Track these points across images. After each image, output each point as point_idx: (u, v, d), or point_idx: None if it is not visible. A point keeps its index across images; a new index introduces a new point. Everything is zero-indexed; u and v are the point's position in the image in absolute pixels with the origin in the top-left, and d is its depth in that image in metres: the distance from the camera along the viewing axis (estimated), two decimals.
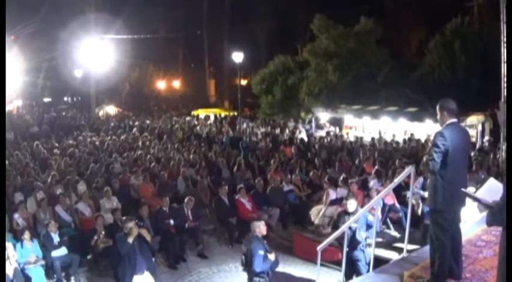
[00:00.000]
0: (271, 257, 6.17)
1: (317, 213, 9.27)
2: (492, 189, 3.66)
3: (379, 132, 19.49)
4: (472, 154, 12.82)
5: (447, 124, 4.42)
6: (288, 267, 8.29)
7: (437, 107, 4.51)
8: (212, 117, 31.39)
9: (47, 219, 8.59)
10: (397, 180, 6.23)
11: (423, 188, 8.36)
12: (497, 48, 12.56)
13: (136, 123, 26.51)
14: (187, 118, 30.89)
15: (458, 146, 4.33)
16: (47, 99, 44.43)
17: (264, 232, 6.37)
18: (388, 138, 18.20)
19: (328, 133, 21.69)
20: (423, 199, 8.25)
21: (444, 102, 4.49)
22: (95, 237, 8.13)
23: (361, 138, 18.40)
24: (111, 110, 35.44)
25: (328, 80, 22.63)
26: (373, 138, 18.19)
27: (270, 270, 6.18)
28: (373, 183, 10.41)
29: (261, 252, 6.03)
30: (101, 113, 33.40)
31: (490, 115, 17.10)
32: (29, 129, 22.34)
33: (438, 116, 4.53)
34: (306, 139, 19.90)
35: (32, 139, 18.54)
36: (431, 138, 5.31)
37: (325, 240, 6.47)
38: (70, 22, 30.82)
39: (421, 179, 8.46)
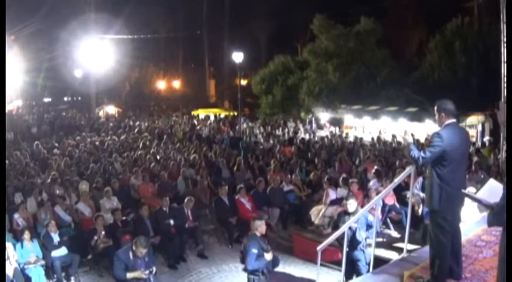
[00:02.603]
0: (268, 256, 6.17)
1: (317, 213, 9.27)
2: (492, 190, 3.66)
3: (379, 132, 19.50)
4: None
5: (445, 125, 4.41)
6: (288, 267, 8.29)
7: (435, 108, 4.50)
8: (212, 117, 31.39)
9: (47, 219, 8.59)
10: (397, 180, 6.22)
11: (422, 189, 8.36)
12: (497, 48, 12.56)
13: (138, 123, 26.48)
14: (185, 117, 30.84)
15: (457, 147, 4.31)
16: (47, 99, 44.38)
17: (264, 231, 6.40)
18: (388, 139, 18.23)
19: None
20: (423, 200, 8.25)
21: (441, 103, 4.47)
22: (95, 237, 8.13)
23: (361, 138, 18.41)
24: (111, 110, 35.44)
25: (328, 80, 22.65)
26: (372, 138, 18.24)
27: (267, 269, 6.20)
28: (373, 183, 10.41)
29: (254, 251, 6.05)
30: (101, 113, 33.39)
31: (490, 115, 17.10)
32: (30, 129, 22.35)
33: (436, 117, 4.53)
34: (307, 138, 19.90)
35: (32, 139, 18.56)
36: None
37: (325, 240, 6.47)
38: (70, 22, 30.81)
39: (420, 180, 8.45)
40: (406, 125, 19.22)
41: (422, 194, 8.20)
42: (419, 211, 8.44)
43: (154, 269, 6.43)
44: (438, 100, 4.53)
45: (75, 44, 30.19)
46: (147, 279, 6.31)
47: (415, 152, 4.33)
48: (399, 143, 16.83)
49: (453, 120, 4.44)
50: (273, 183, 10.98)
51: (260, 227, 6.33)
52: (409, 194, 6.75)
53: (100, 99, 35.79)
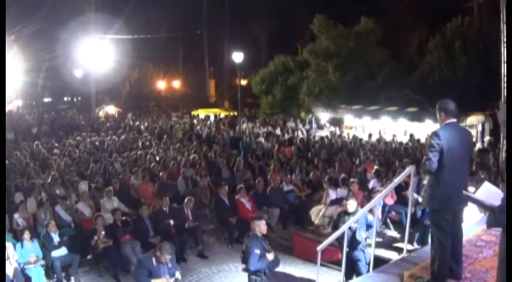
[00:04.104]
0: (270, 256, 6.18)
1: (317, 213, 9.27)
2: (489, 192, 3.66)
3: (379, 132, 19.51)
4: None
5: (445, 124, 4.42)
6: (288, 267, 8.29)
7: (436, 108, 4.51)
8: (212, 117, 31.40)
9: (47, 219, 8.59)
10: (397, 180, 6.23)
11: (418, 191, 8.38)
12: (497, 48, 12.55)
13: (138, 123, 26.48)
14: (186, 117, 30.84)
15: (456, 146, 4.29)
16: (47, 99, 44.44)
17: (264, 231, 6.40)
18: (388, 138, 18.26)
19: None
20: (417, 201, 8.24)
21: (442, 103, 4.47)
22: (95, 237, 8.13)
23: (361, 139, 18.41)
24: (111, 110, 35.44)
25: (328, 80, 22.63)
26: (369, 135, 18.44)
27: (268, 269, 6.20)
28: (373, 183, 10.40)
29: (257, 251, 6.05)
30: (100, 113, 33.40)
31: (490, 115, 17.10)
32: (30, 129, 22.35)
33: (437, 117, 4.54)
34: (306, 138, 19.92)
35: (32, 139, 18.55)
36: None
37: (325, 240, 6.47)
38: (70, 22, 30.83)
39: (414, 180, 8.40)
40: (406, 125, 19.22)
41: (416, 195, 8.20)
42: (413, 209, 8.41)
43: (178, 275, 6.28)
44: (440, 100, 4.53)
45: (75, 44, 30.18)
46: None
47: (423, 164, 4.35)
48: (401, 143, 16.90)
49: (453, 120, 4.44)
50: (273, 183, 10.98)
51: (259, 226, 6.32)
52: (409, 194, 6.75)
53: (101, 99, 35.81)
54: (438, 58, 19.63)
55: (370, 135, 18.88)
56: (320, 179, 11.46)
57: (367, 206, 6.46)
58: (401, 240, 6.59)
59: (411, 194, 6.45)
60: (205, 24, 38.79)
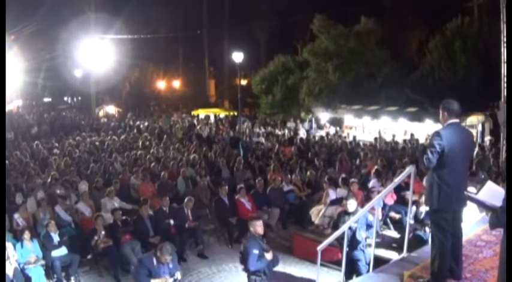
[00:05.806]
0: (268, 256, 6.17)
1: (317, 213, 9.27)
2: (491, 192, 3.66)
3: (379, 132, 19.50)
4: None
5: (447, 124, 4.42)
6: (288, 267, 8.29)
7: (440, 108, 4.51)
8: (212, 117, 31.37)
9: (47, 219, 8.59)
10: (397, 180, 6.22)
11: (416, 219, 8.38)
12: (497, 48, 12.56)
13: (138, 123, 26.46)
14: (184, 116, 30.79)
15: (457, 147, 4.29)
16: (47, 99, 44.46)
17: (261, 231, 6.37)
18: (388, 138, 18.26)
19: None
20: (415, 229, 8.21)
21: (445, 103, 4.47)
22: (95, 237, 8.13)
23: (358, 143, 18.37)
24: (111, 109, 35.44)
25: (328, 80, 22.63)
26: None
27: (268, 268, 6.19)
28: (373, 183, 10.40)
29: (255, 252, 6.04)
30: (101, 113, 33.39)
31: (490, 115, 17.10)
32: (30, 129, 22.35)
33: (440, 117, 4.54)
34: (306, 138, 19.92)
35: (32, 139, 18.56)
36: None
37: (325, 240, 6.47)
38: (70, 22, 30.91)
39: (413, 209, 8.37)
40: (406, 125, 19.22)
41: (413, 222, 8.19)
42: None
43: (179, 275, 6.27)
44: (443, 100, 4.52)
45: (75, 44, 30.24)
46: None
47: (421, 155, 4.33)
48: (396, 142, 16.92)
49: (455, 120, 4.43)
50: (273, 183, 10.97)
51: (255, 227, 6.28)
52: (408, 194, 6.75)
53: (101, 99, 35.83)
54: (438, 58, 19.64)
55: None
56: (320, 178, 11.45)
57: (367, 206, 6.45)
58: (401, 240, 6.57)
59: (408, 222, 6.45)
60: (205, 24, 38.76)
